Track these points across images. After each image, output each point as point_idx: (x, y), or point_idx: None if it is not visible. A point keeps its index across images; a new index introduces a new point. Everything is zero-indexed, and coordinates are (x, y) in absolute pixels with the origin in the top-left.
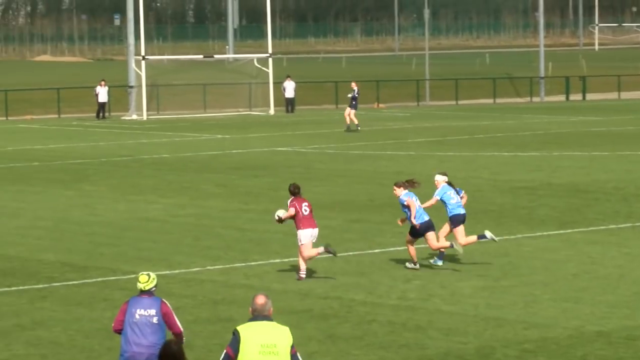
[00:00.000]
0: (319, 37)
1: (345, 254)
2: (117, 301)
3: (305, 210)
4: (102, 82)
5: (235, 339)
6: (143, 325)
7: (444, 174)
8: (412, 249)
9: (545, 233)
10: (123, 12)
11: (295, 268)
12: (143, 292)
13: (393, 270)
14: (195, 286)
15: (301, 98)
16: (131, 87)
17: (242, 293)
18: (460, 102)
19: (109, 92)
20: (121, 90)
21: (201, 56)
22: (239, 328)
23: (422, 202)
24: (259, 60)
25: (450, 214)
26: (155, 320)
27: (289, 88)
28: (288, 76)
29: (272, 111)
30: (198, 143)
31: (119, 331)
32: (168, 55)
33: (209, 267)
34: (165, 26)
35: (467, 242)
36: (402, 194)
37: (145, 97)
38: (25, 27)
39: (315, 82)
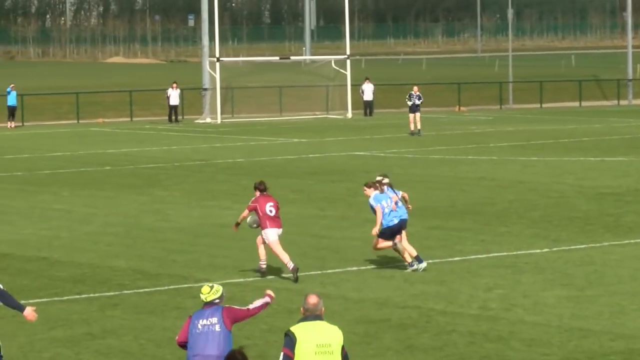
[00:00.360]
0: (399, 38)
1: (425, 262)
2: (190, 310)
3: (271, 211)
4: (174, 85)
5: (290, 340)
6: (206, 335)
7: (385, 176)
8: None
9: (632, 241)
10: (197, 13)
11: (372, 275)
12: (206, 304)
13: (474, 279)
14: None
15: (380, 101)
16: (205, 89)
17: None
18: (544, 105)
19: (181, 94)
20: (195, 93)
21: (277, 58)
22: (292, 329)
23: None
24: (337, 61)
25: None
26: (217, 328)
27: (368, 90)
28: (366, 78)
29: (349, 114)
30: (273, 147)
31: (183, 344)
32: (243, 56)
33: (283, 275)
34: (240, 27)
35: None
36: (372, 195)
37: (220, 100)
38: (97, 28)
39: (395, 85)
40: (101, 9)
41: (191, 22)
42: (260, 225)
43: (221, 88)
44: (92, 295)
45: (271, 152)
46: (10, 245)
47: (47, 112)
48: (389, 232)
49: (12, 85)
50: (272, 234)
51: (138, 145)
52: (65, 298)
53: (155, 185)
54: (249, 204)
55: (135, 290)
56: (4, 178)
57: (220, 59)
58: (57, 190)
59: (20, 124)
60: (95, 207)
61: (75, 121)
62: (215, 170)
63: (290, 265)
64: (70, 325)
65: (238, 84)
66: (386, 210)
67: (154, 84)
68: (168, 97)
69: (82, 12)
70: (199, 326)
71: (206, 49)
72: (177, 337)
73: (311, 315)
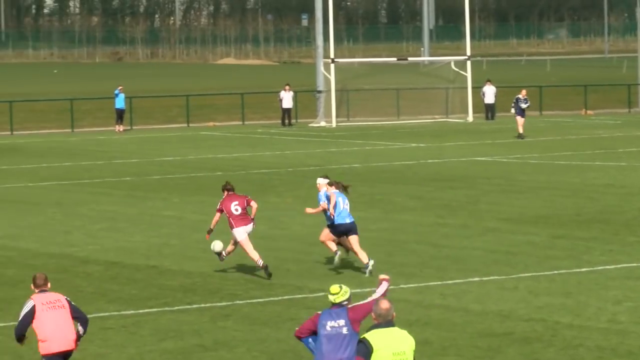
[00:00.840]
0: (522, 38)
1: (550, 272)
2: (304, 321)
3: (236, 210)
4: (287, 87)
5: (366, 348)
6: (335, 337)
7: (326, 177)
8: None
9: None
10: (311, 12)
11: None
12: (334, 305)
13: (602, 291)
14: None
15: (502, 104)
16: (319, 91)
17: (438, 314)
18: None
19: (295, 97)
20: (309, 96)
21: (394, 59)
22: (367, 336)
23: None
24: (457, 63)
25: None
26: (345, 330)
27: (489, 93)
28: (488, 80)
29: (470, 118)
30: (390, 152)
31: (301, 339)
32: (359, 57)
33: (402, 286)
34: (356, 27)
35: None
36: (331, 191)
37: (335, 103)
38: (208, 28)
39: (517, 87)
40: (212, 8)
41: (305, 22)
42: (229, 226)
43: (336, 90)
44: (203, 305)
45: (388, 157)
46: (119, 254)
47: (156, 115)
48: (338, 231)
49: (120, 87)
50: (240, 233)
51: (250, 149)
52: (176, 308)
53: (268, 192)
54: (217, 207)
55: (248, 301)
56: (112, 183)
57: (335, 60)
58: (167, 196)
59: (129, 127)
60: (207, 213)
61: (185, 125)
62: (330, 176)
63: (260, 262)
64: (181, 336)
65: (353, 86)
66: (341, 208)
67: (267, 86)
68: (281, 100)
69: (192, 12)
70: (328, 327)
71: (320, 50)
72: (297, 330)
73: (384, 321)
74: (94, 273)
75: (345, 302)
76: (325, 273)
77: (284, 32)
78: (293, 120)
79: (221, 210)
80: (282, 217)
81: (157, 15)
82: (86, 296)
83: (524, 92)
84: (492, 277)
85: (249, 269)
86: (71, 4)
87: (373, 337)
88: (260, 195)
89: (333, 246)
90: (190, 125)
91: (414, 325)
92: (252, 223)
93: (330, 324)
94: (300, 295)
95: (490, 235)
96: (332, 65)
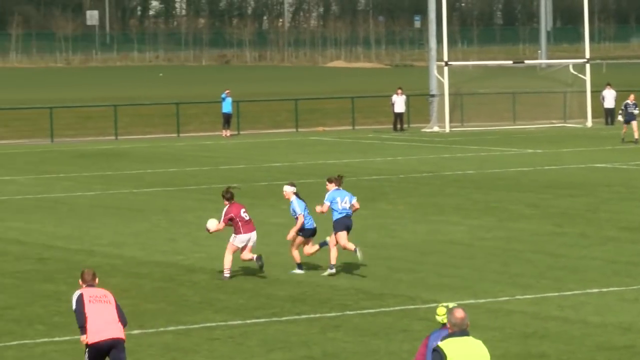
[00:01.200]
0: None
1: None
2: (417, 333)
3: (246, 215)
4: (399, 91)
5: (440, 357)
6: None
7: (292, 184)
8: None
9: None
10: (424, 13)
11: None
12: (444, 325)
13: None
14: (503, 317)
15: None
16: (432, 96)
17: (556, 326)
18: None
19: (407, 101)
20: (421, 100)
21: (510, 62)
22: (441, 345)
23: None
24: (575, 66)
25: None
26: None
27: (609, 97)
28: (608, 84)
29: (589, 123)
30: (506, 158)
31: None
32: (473, 60)
33: (518, 297)
34: (470, 28)
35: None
36: (332, 189)
37: (448, 107)
38: (317, 30)
39: (639, 91)
40: (321, 9)
41: (417, 24)
42: (234, 232)
43: (450, 94)
44: (312, 315)
45: (503, 163)
46: None
47: (264, 119)
48: (344, 224)
49: (227, 91)
50: (241, 241)
51: (361, 155)
52: (284, 318)
53: (379, 199)
54: (223, 217)
55: (359, 311)
56: (219, 190)
57: (449, 62)
58: (275, 203)
59: (236, 132)
60: (316, 221)
61: (294, 129)
62: (444, 183)
63: (256, 258)
64: (290, 347)
65: (468, 90)
66: (340, 206)
67: (378, 90)
68: (393, 104)
69: (301, 13)
70: None
71: (433, 52)
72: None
73: (458, 330)
74: (200, 282)
75: None
76: (438, 283)
77: (396, 34)
78: (405, 125)
79: (230, 220)
80: (394, 225)
81: (265, 17)
82: (192, 306)
83: (632, 96)
84: (611, 288)
85: (359, 278)
86: (177, 5)
87: (447, 346)
88: (371, 202)
89: (351, 246)
90: (299, 130)
91: (530, 338)
92: (255, 230)
93: None
94: (412, 306)
95: (610, 244)
96: (446, 69)
